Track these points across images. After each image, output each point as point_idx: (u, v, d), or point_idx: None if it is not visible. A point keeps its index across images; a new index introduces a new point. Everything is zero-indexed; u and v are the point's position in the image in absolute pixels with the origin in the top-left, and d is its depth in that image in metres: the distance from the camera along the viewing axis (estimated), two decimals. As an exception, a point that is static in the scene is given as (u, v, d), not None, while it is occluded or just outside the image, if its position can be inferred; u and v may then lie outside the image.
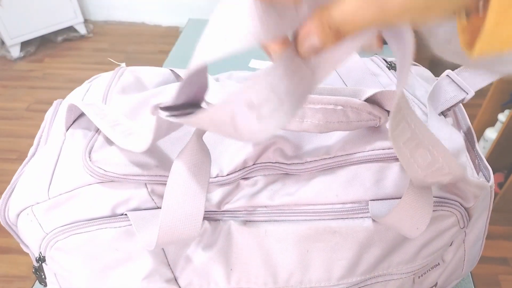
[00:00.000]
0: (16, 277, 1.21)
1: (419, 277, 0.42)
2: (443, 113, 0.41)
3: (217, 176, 0.35)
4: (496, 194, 1.37)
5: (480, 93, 0.66)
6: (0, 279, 1.20)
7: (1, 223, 0.37)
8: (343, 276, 0.39)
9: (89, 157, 0.35)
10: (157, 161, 0.35)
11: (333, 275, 0.38)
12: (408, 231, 0.33)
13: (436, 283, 0.44)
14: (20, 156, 1.61)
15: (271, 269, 0.38)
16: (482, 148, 1.50)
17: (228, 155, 0.36)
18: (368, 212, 0.36)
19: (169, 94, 0.41)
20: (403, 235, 0.36)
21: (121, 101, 0.41)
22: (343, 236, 0.37)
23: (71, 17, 2.22)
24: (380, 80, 0.44)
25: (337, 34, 0.19)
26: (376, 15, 0.18)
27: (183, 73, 0.45)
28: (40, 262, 0.37)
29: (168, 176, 0.35)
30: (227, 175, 0.36)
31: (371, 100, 0.35)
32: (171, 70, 0.47)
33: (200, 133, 0.30)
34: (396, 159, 0.36)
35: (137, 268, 0.37)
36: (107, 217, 0.35)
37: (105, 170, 0.34)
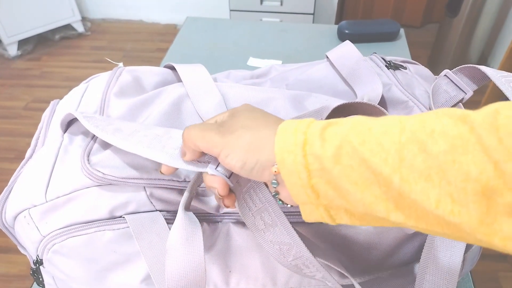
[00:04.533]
0: (15, 276, 1.21)
1: (418, 277, 0.42)
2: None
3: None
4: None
5: (479, 90, 0.66)
6: (-1, 279, 1.20)
7: (-1, 225, 0.37)
8: (343, 277, 0.38)
9: (88, 160, 0.34)
10: (156, 165, 0.34)
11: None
12: None
13: (436, 283, 0.44)
14: (18, 155, 1.60)
15: (270, 270, 0.38)
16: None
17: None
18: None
19: (168, 94, 0.41)
20: (402, 236, 0.36)
21: (120, 104, 0.40)
22: (344, 237, 0.36)
23: (68, 15, 2.21)
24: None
25: None
26: None
27: (181, 68, 0.45)
28: (37, 265, 0.37)
29: (167, 179, 0.35)
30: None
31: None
32: (170, 66, 0.47)
33: (187, 206, 0.31)
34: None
35: (136, 270, 0.37)
36: (105, 219, 0.35)
37: (103, 173, 0.33)
